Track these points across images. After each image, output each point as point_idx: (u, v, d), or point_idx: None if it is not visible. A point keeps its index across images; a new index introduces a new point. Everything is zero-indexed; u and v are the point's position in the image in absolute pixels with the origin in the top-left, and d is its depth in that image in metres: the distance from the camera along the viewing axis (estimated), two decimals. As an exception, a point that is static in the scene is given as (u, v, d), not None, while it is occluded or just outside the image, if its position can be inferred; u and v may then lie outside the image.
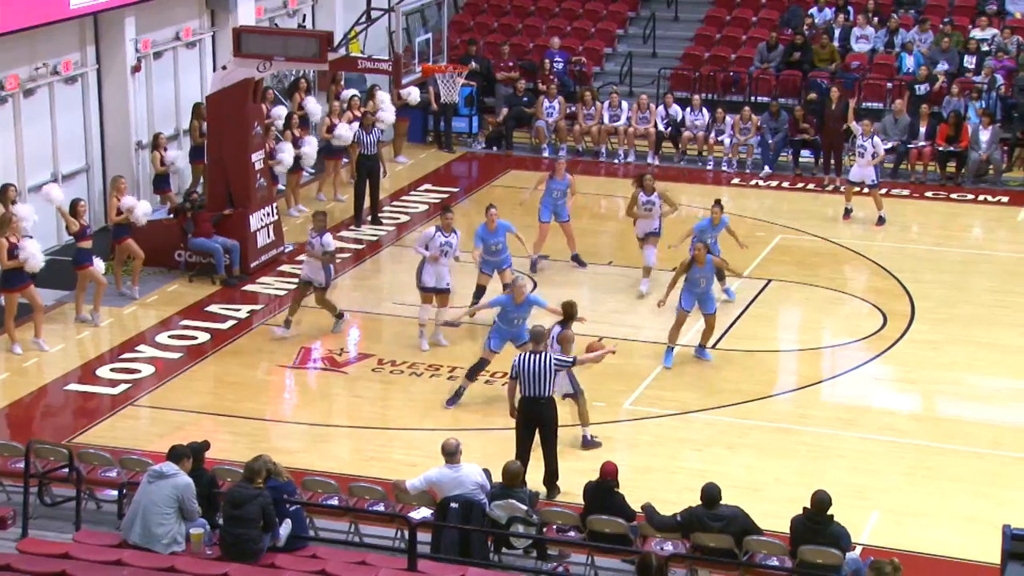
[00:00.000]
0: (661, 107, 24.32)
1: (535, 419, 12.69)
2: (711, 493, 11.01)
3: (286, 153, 20.74)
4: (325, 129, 22.02)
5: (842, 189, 21.43)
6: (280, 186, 21.56)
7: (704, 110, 24.07)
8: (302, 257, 17.22)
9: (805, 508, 10.82)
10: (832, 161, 22.90)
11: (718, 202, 17.67)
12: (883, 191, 21.62)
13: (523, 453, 12.70)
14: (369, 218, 21.02)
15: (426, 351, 16.21)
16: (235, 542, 10.59)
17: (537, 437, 12.75)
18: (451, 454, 11.51)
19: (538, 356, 12.74)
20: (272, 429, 14.77)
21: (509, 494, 11.31)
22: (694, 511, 11.02)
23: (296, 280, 17.46)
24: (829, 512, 10.71)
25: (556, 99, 24.69)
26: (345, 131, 21.52)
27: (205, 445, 11.50)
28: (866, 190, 20.72)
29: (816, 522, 10.70)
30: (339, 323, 17.06)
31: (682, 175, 23.56)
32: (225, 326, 17.22)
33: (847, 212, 20.94)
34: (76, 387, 15.57)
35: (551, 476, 12.67)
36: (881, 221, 20.60)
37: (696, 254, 15.67)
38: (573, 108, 24.88)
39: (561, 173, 18.98)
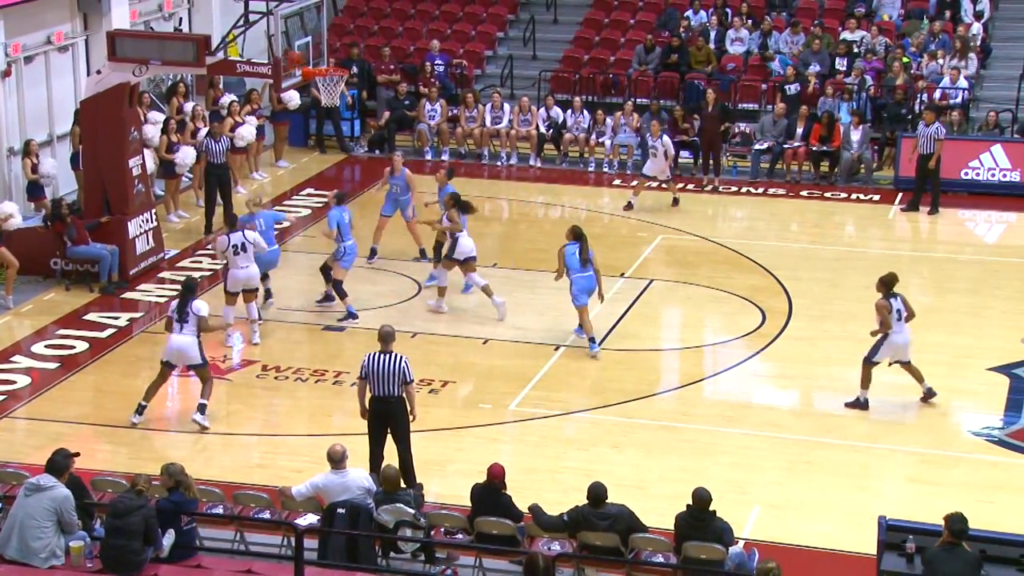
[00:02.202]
0: (542, 109, 24.48)
1: (385, 418, 12.78)
2: (597, 492, 11.12)
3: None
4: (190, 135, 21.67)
5: (634, 184, 22.03)
6: (159, 191, 21.25)
7: (585, 112, 24.28)
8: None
9: (688, 505, 10.99)
10: (711, 161, 23.26)
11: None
12: (759, 189, 22.09)
13: (376, 452, 12.80)
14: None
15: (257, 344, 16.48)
16: (116, 554, 10.42)
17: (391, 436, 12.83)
18: (337, 461, 11.50)
19: (386, 356, 12.81)
20: (155, 438, 14.55)
21: (393, 499, 11.31)
22: (580, 510, 11.12)
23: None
24: (711, 508, 10.89)
25: (438, 102, 24.72)
26: (187, 154, 21.14)
27: (71, 454, 11.18)
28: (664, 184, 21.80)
29: (699, 518, 10.87)
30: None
31: (564, 176, 23.75)
32: (104, 334, 16.92)
33: (629, 205, 21.67)
34: (-51, 400, 15.18)
35: (406, 474, 12.68)
36: (676, 203, 21.86)
37: None
38: (455, 111, 24.93)
39: (398, 168, 19.04)
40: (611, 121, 24.05)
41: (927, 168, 21.35)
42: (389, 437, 12.89)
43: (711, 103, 23.09)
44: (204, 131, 21.41)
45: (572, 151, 24.39)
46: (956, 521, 10.05)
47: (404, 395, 12.81)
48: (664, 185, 21.89)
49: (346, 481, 11.43)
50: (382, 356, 12.88)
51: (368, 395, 12.92)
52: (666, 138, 21.59)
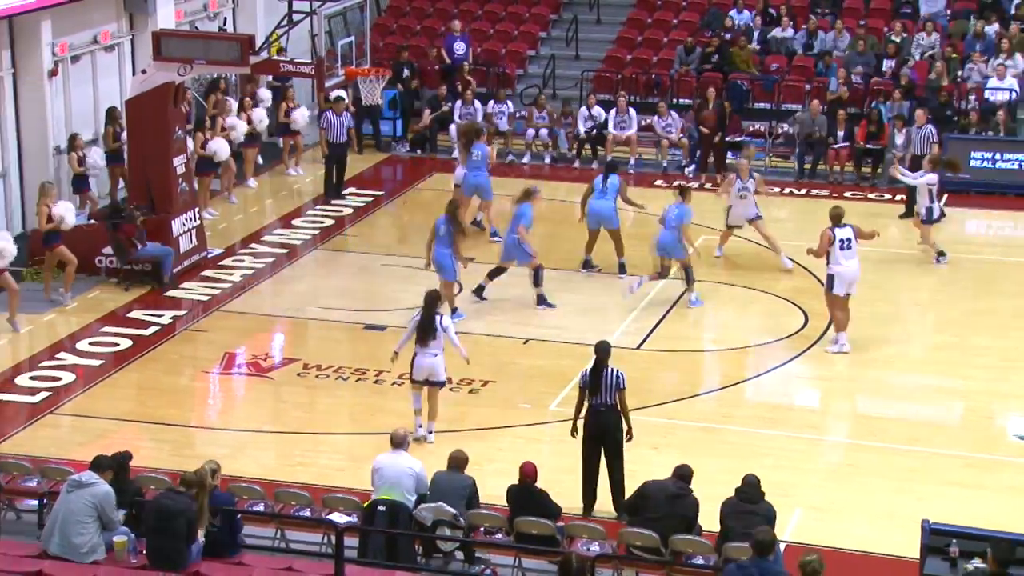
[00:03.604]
0: (584, 108, 24.42)
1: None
2: (683, 472, 11.41)
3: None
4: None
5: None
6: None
7: (631, 111, 24.14)
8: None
9: (737, 488, 11.01)
10: (710, 160, 23.19)
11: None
12: (802, 191, 22.03)
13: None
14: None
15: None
16: (161, 553, 10.49)
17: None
18: (397, 444, 11.69)
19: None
20: (196, 435, 14.64)
21: (454, 478, 11.48)
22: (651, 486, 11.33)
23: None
24: (761, 489, 10.96)
25: (473, 104, 24.61)
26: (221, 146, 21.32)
27: (128, 455, 11.39)
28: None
29: (750, 501, 10.89)
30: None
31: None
32: (148, 332, 17.04)
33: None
34: (-5, 396, 15.33)
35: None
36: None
37: None
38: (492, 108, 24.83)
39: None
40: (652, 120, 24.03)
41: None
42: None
43: (711, 101, 22.98)
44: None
45: (619, 152, 24.18)
46: (1003, 551, 9.82)
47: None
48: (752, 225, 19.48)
49: (398, 459, 11.59)
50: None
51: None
52: (757, 176, 19.47)
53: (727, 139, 23.59)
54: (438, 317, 13.96)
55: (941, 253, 19.57)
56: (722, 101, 23.38)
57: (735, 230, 19.51)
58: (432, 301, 14.10)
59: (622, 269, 18.69)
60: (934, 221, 19.58)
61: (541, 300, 17.57)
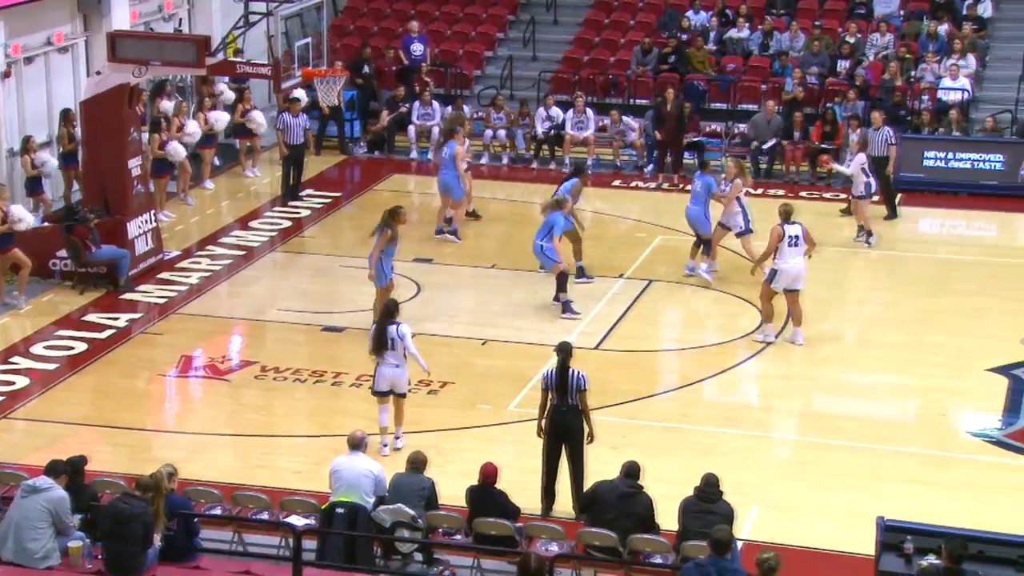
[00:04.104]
0: (541, 109, 24.45)
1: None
2: (631, 469, 11.45)
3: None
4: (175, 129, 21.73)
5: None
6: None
7: (589, 112, 24.16)
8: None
9: (696, 488, 11.07)
10: (668, 159, 23.32)
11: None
12: (759, 190, 22.17)
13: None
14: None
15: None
16: (117, 559, 10.42)
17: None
18: (354, 445, 11.66)
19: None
20: (153, 439, 14.55)
21: (414, 479, 11.47)
22: (602, 486, 11.40)
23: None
24: (720, 488, 11.04)
25: (431, 104, 24.61)
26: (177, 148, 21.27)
27: (83, 460, 11.31)
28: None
29: (709, 499, 10.95)
30: None
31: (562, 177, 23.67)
32: (103, 335, 16.92)
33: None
34: (-52, 401, 15.19)
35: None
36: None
37: None
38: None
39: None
40: (604, 120, 24.08)
41: (880, 171, 21.12)
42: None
43: (669, 101, 23.10)
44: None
45: (577, 152, 24.22)
46: (957, 547, 9.92)
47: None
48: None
49: (355, 461, 11.57)
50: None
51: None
52: (738, 182, 18.67)
53: (687, 140, 23.70)
54: (393, 327, 13.76)
55: (870, 234, 19.94)
56: (681, 101, 23.47)
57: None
58: (387, 312, 13.96)
59: (580, 273, 18.64)
60: (872, 195, 20.17)
61: (567, 308, 17.44)
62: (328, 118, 24.60)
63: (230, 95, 23.48)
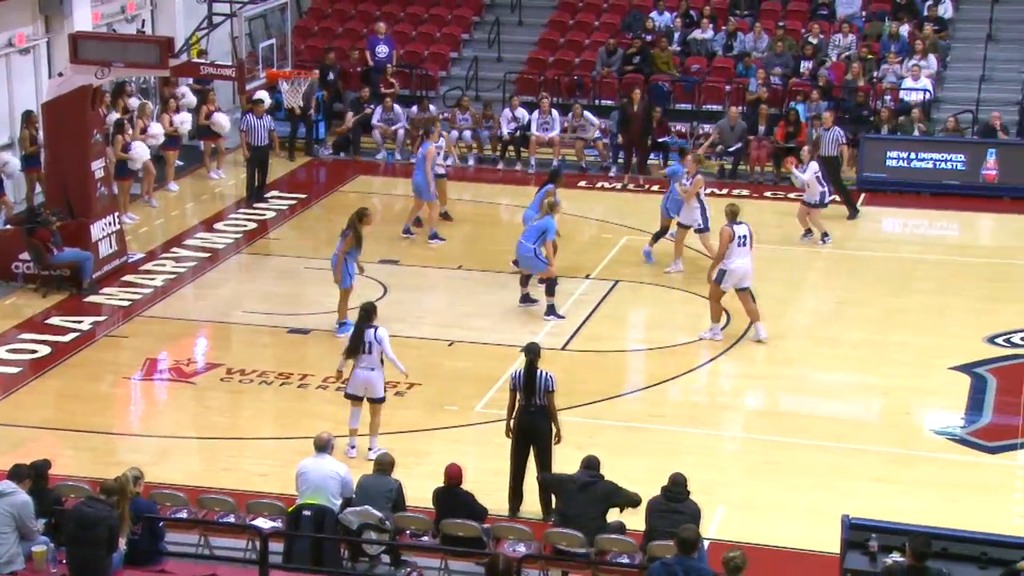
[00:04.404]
0: (507, 110, 24.46)
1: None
2: (590, 462, 11.58)
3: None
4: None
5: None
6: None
7: (554, 112, 24.17)
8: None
9: (664, 487, 11.10)
10: (634, 160, 23.41)
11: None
12: (723, 190, 22.24)
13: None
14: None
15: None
16: (81, 563, 10.35)
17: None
18: (320, 448, 11.60)
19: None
20: (118, 443, 14.47)
21: (381, 481, 11.43)
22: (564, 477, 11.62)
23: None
24: (687, 488, 11.08)
25: (393, 109, 24.58)
26: (141, 149, 21.18)
27: (47, 464, 11.24)
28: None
29: (676, 499, 10.98)
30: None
31: (530, 179, 23.73)
32: (67, 339, 16.80)
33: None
34: (-91, 405, 15.04)
35: None
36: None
37: None
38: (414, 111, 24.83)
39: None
40: (570, 118, 24.06)
41: (827, 171, 21.26)
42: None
43: (636, 102, 23.16)
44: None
45: (542, 153, 24.24)
46: (920, 544, 9.99)
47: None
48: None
49: (322, 463, 11.51)
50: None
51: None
52: (700, 177, 18.92)
53: (657, 140, 23.76)
54: (371, 331, 13.66)
55: (825, 234, 20.32)
56: (648, 103, 23.53)
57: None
58: (365, 314, 13.81)
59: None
60: (825, 205, 20.40)
61: (551, 310, 17.41)
62: (299, 119, 24.45)
63: (192, 97, 23.39)
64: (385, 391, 13.91)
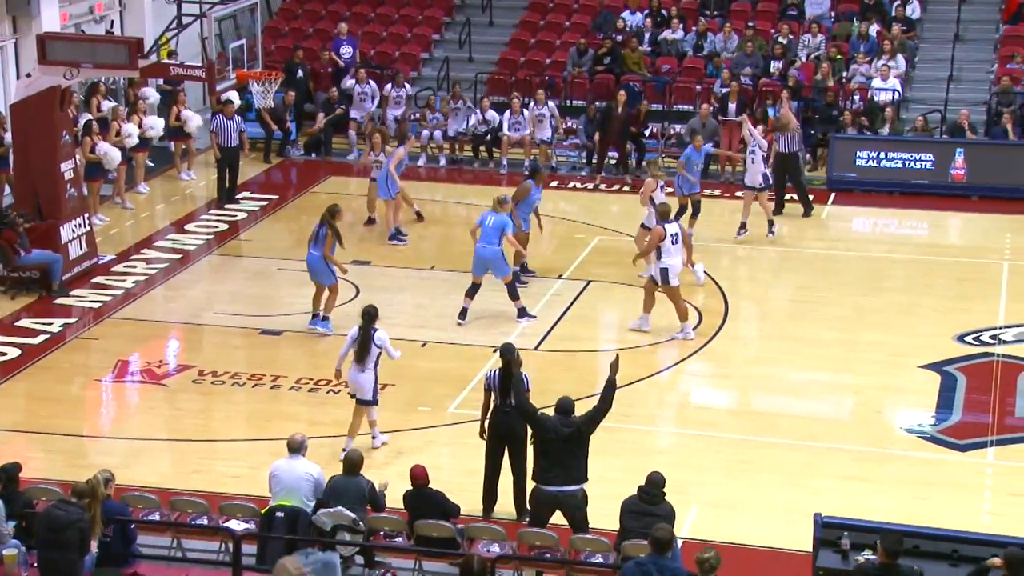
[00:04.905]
0: (478, 111, 24.46)
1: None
2: (565, 404, 11.84)
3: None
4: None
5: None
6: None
7: (525, 113, 24.15)
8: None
9: (640, 487, 11.10)
10: (609, 161, 23.51)
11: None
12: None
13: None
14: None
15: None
16: (53, 565, 10.29)
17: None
18: (295, 449, 11.56)
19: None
20: (89, 445, 14.40)
21: (349, 482, 11.37)
22: (549, 418, 11.77)
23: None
24: (663, 489, 11.07)
25: (369, 81, 24.66)
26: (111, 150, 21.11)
27: (17, 466, 11.17)
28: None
29: (651, 500, 10.98)
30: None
31: (502, 179, 23.74)
32: (36, 341, 16.71)
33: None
34: None
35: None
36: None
37: None
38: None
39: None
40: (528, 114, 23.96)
41: (786, 168, 21.36)
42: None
43: (621, 104, 23.21)
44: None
45: (513, 155, 24.26)
46: (892, 542, 10.05)
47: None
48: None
49: (294, 464, 11.49)
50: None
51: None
52: (649, 180, 18.61)
53: (638, 131, 23.78)
54: (373, 333, 13.73)
55: (771, 224, 20.64)
56: (635, 105, 23.52)
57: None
58: (369, 317, 13.83)
59: (524, 269, 18.68)
60: (769, 188, 20.67)
61: (522, 313, 17.40)
62: (276, 121, 24.27)
63: (156, 98, 23.23)
64: (375, 395, 13.85)
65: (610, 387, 11.95)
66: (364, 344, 13.67)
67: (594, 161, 23.81)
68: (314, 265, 16.74)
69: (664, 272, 16.74)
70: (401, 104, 24.86)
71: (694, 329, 17.05)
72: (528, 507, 12.10)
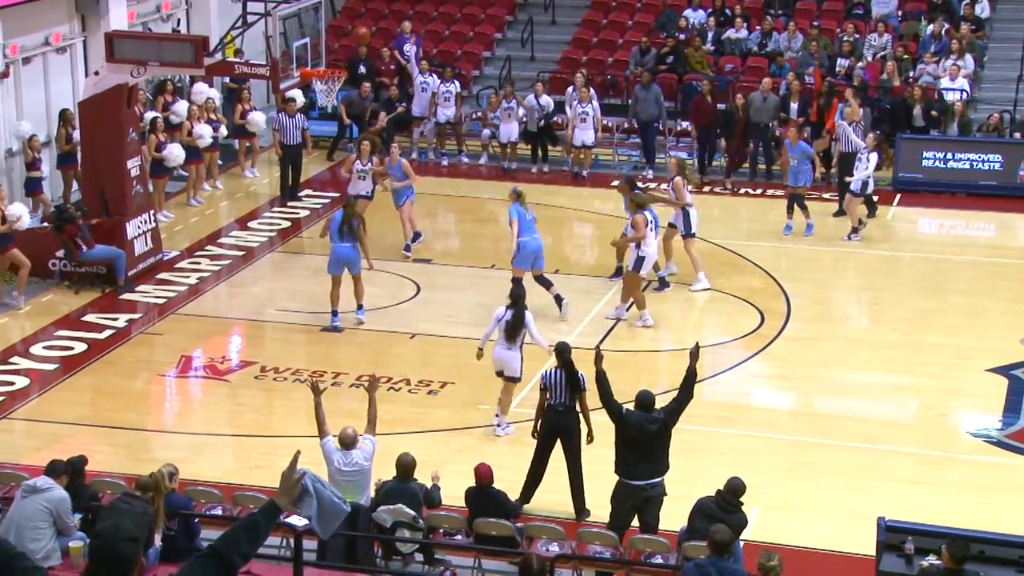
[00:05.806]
0: (531, 96, 24.03)
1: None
2: (646, 399, 11.76)
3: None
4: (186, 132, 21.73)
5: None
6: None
7: (594, 103, 23.53)
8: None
9: (719, 490, 10.99)
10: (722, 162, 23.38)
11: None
12: (758, 191, 22.16)
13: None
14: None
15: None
16: (117, 557, 10.39)
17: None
18: (348, 445, 11.65)
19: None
20: (153, 439, 14.55)
21: (403, 488, 11.34)
22: (633, 414, 11.67)
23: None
24: (741, 499, 10.95)
25: (431, 74, 24.59)
26: (206, 131, 21.56)
27: (83, 460, 11.31)
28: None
29: (727, 508, 10.87)
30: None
31: (561, 177, 23.66)
32: (103, 336, 16.91)
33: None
34: (-53, 401, 15.17)
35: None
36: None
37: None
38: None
39: (395, 159, 19.54)
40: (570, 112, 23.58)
41: (848, 168, 21.06)
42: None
43: (741, 107, 22.84)
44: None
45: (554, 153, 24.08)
46: (959, 548, 9.91)
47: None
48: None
49: (351, 455, 11.63)
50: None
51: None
52: (678, 180, 18.47)
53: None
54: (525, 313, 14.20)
55: (856, 230, 20.55)
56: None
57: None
58: (518, 299, 14.31)
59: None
60: (867, 194, 20.65)
61: (558, 300, 17.49)
62: (352, 120, 24.21)
63: (181, 108, 22.90)
64: (521, 373, 14.24)
65: (691, 376, 11.88)
66: (516, 324, 14.11)
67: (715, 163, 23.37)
68: (351, 256, 16.79)
69: (640, 260, 16.90)
70: (451, 102, 24.56)
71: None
72: (610, 503, 11.93)
